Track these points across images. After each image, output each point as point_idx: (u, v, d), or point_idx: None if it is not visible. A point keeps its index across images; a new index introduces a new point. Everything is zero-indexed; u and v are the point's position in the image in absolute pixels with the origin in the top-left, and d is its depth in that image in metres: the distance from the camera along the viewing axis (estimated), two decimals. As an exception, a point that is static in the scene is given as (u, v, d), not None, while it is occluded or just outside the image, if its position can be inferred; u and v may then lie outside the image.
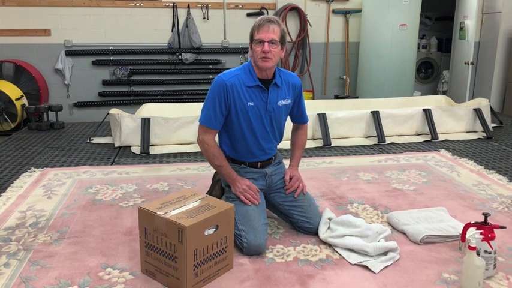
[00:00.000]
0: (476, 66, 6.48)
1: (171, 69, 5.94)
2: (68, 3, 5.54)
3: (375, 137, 4.50)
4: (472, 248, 1.83)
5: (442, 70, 7.17)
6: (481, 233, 1.98)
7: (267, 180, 2.42)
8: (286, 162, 2.58)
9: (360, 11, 6.14)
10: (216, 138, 2.37)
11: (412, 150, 4.19)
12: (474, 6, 5.75)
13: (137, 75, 5.89)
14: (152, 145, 4.21)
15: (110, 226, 2.51)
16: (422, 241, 2.29)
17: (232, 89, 2.24)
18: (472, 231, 2.07)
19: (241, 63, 5.89)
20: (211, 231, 1.95)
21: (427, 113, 4.63)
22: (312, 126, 4.38)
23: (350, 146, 4.32)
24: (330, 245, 2.26)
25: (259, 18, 2.26)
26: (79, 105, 5.82)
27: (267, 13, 5.98)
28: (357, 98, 5.88)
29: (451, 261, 2.13)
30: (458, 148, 4.25)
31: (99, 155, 4.03)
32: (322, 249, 2.24)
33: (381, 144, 4.38)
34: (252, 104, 2.27)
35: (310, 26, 6.08)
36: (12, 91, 5.16)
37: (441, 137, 4.56)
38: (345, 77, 6.36)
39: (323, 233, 2.32)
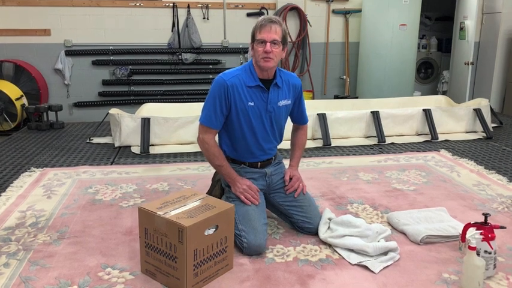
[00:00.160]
0: (476, 67, 6.48)
1: (171, 69, 5.94)
2: (68, 3, 5.54)
3: (374, 137, 4.50)
4: (472, 248, 1.83)
5: (442, 70, 7.17)
6: (481, 233, 1.98)
7: (267, 180, 2.42)
8: (286, 162, 2.58)
9: (360, 11, 6.14)
10: (216, 138, 2.37)
11: (412, 150, 4.19)
12: (474, 6, 5.75)
13: (137, 75, 5.89)
14: (152, 145, 4.21)
15: (109, 226, 2.51)
16: (422, 241, 2.29)
17: (233, 89, 2.24)
18: (472, 232, 2.07)
19: (241, 63, 5.90)
20: (211, 231, 1.95)
21: (427, 113, 4.63)
22: (312, 126, 4.38)
23: (350, 146, 4.32)
24: (330, 245, 2.26)
25: (261, 18, 2.26)
26: (79, 105, 5.81)
27: (267, 13, 5.98)
28: (356, 98, 5.89)
29: (451, 261, 2.13)
30: (458, 148, 4.25)
31: (99, 154, 4.03)
32: (322, 249, 2.24)
33: (380, 144, 4.38)
34: (252, 104, 2.27)
35: (310, 26, 6.08)
36: (12, 91, 5.16)
37: (441, 137, 4.56)
38: (344, 77, 6.36)
39: (323, 233, 2.32)
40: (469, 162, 3.73)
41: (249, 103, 2.27)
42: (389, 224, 2.53)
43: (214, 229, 1.95)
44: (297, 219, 2.39)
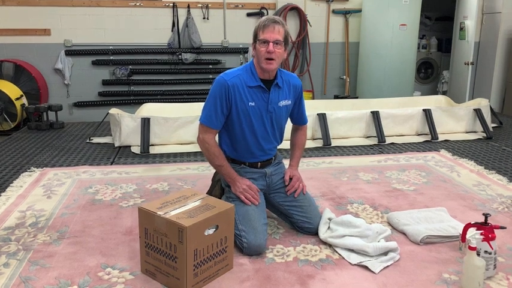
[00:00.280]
0: (476, 67, 6.48)
1: (171, 69, 5.94)
2: (68, 3, 5.53)
3: (374, 137, 4.50)
4: (472, 249, 1.83)
5: (442, 70, 7.17)
6: (481, 234, 1.97)
7: (267, 180, 2.42)
8: (286, 162, 2.58)
9: (360, 11, 6.14)
10: (216, 138, 2.37)
11: (412, 150, 4.19)
12: (474, 7, 5.75)
13: (137, 75, 5.88)
14: (152, 145, 4.21)
15: (109, 226, 2.51)
16: (422, 241, 2.29)
17: (234, 89, 2.24)
18: (472, 232, 2.07)
19: (241, 63, 5.91)
20: (211, 231, 1.95)
21: (427, 113, 4.63)
22: (312, 126, 4.38)
23: (350, 146, 4.32)
24: (330, 245, 2.26)
25: (263, 18, 2.26)
26: (79, 105, 5.81)
27: (267, 13, 5.98)
28: (356, 98, 5.89)
29: (451, 261, 2.13)
30: (458, 148, 4.25)
31: (99, 154, 4.03)
32: (322, 250, 2.24)
33: (380, 144, 4.38)
34: (253, 104, 2.27)
35: (310, 26, 6.08)
36: (12, 91, 5.16)
37: (441, 137, 4.56)
38: (344, 77, 6.36)
39: (323, 233, 2.32)
40: (469, 162, 3.73)
41: (250, 103, 2.27)
42: (390, 224, 2.52)
43: (214, 229, 1.95)
44: (297, 219, 2.39)
